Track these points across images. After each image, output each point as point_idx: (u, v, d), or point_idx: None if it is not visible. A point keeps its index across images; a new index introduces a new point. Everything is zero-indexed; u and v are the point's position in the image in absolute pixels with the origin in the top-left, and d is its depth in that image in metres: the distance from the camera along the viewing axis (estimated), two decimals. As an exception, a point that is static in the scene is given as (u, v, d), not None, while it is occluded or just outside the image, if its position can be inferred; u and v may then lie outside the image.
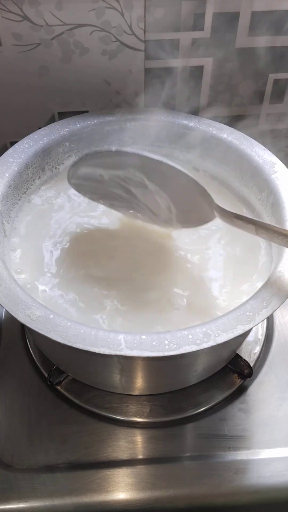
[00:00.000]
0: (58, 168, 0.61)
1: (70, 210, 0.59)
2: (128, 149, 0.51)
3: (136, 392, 0.55)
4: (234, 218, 0.48)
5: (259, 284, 0.48)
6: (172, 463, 0.52)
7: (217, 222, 0.50)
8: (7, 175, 0.54)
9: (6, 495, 0.49)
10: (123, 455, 0.52)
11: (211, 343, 0.41)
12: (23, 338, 0.60)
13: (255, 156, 0.57)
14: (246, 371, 0.56)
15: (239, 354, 0.57)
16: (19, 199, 0.57)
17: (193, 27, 0.61)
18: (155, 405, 0.55)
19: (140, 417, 0.54)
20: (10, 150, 0.57)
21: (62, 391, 0.56)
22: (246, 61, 0.65)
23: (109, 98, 0.67)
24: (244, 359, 0.56)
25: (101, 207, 0.58)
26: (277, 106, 0.71)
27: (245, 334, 0.54)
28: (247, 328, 0.43)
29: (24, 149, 0.57)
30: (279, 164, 0.56)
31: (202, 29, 0.61)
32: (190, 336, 0.42)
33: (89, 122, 0.61)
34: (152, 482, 0.50)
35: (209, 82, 0.67)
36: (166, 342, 0.41)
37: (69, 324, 0.42)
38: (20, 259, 0.53)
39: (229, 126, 0.61)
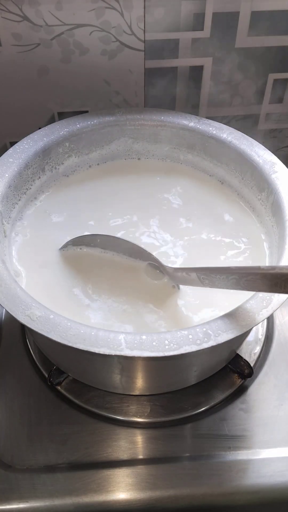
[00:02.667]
0: (58, 169, 0.61)
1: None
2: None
3: (136, 392, 0.55)
4: (176, 272, 0.48)
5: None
6: (173, 463, 0.52)
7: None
8: (7, 175, 0.54)
9: (7, 495, 0.49)
10: (124, 455, 0.52)
11: (211, 343, 0.41)
12: (23, 338, 0.60)
13: (255, 156, 0.57)
14: (246, 371, 0.56)
15: (239, 354, 0.57)
16: (19, 200, 0.57)
17: (193, 27, 0.61)
18: (155, 405, 0.55)
19: (140, 417, 0.54)
20: (10, 151, 0.56)
21: (62, 391, 0.56)
22: (246, 61, 0.65)
23: (109, 98, 0.67)
24: (244, 359, 0.56)
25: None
26: (277, 106, 0.71)
27: (245, 334, 0.54)
28: (247, 328, 0.43)
29: (24, 149, 0.57)
30: (279, 164, 0.56)
31: (202, 29, 0.61)
32: (190, 336, 0.42)
33: (89, 122, 0.61)
34: (152, 482, 0.50)
35: (209, 82, 0.67)
36: (166, 342, 0.41)
37: (69, 324, 0.42)
38: None
39: (229, 126, 0.61)
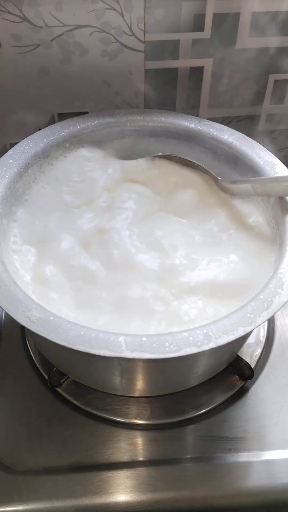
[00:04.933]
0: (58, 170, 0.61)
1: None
2: None
3: (137, 394, 0.55)
4: (232, 184, 0.56)
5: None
6: (173, 465, 0.51)
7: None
8: (7, 176, 0.54)
9: (7, 497, 0.49)
10: (124, 457, 0.52)
11: (212, 345, 0.41)
12: (23, 340, 0.60)
13: (256, 157, 0.57)
14: (247, 373, 0.56)
15: (240, 355, 0.57)
16: (18, 201, 0.57)
17: (193, 28, 0.61)
18: (156, 407, 0.55)
19: (140, 419, 0.54)
20: (10, 152, 0.56)
21: (62, 393, 0.56)
22: (246, 62, 0.65)
23: (109, 99, 0.67)
24: (245, 361, 0.56)
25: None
26: (277, 106, 0.71)
27: (246, 336, 0.54)
28: (248, 330, 0.42)
29: (24, 150, 0.57)
30: (280, 165, 0.56)
31: (202, 29, 0.61)
32: (190, 338, 0.41)
33: (89, 123, 0.61)
34: (152, 484, 0.50)
35: (209, 83, 0.67)
36: (166, 344, 0.41)
37: (69, 326, 0.42)
38: None
39: (230, 127, 0.61)
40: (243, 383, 0.57)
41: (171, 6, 0.59)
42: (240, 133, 0.60)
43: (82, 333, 0.42)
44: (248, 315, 0.43)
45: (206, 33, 0.62)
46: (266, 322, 0.62)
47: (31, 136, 0.58)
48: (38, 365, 0.58)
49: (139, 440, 0.53)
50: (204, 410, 0.55)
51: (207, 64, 0.65)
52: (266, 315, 0.43)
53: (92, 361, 0.49)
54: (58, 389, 0.56)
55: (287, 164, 0.56)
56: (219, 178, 0.59)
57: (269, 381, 0.57)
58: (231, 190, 0.58)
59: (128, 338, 0.41)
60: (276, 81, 0.68)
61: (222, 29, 0.62)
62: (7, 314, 0.43)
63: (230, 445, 0.53)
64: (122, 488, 0.50)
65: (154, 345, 0.41)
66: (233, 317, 0.43)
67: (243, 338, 0.54)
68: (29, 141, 0.58)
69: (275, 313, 0.44)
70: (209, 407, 0.55)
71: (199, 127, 0.61)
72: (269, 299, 0.44)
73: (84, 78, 0.64)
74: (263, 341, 0.60)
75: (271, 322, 0.62)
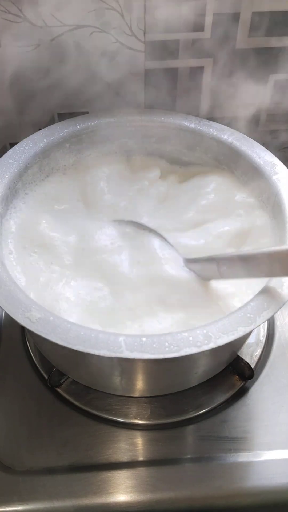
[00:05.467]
0: (58, 170, 0.61)
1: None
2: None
3: (137, 394, 0.55)
4: (195, 263, 0.51)
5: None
6: (173, 465, 0.51)
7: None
8: (6, 176, 0.54)
9: (7, 498, 0.49)
10: (124, 457, 0.52)
11: (211, 345, 0.41)
12: (23, 340, 0.60)
13: (256, 157, 0.57)
14: (247, 373, 0.56)
15: (240, 355, 0.57)
16: (19, 201, 0.57)
17: (193, 28, 0.61)
18: (156, 407, 0.55)
19: (140, 419, 0.54)
20: (10, 152, 0.56)
21: (62, 393, 0.56)
22: (246, 62, 0.65)
23: (109, 99, 0.67)
24: (245, 361, 0.56)
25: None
26: (277, 106, 0.71)
27: (246, 336, 0.54)
28: (248, 330, 0.42)
29: (24, 150, 0.57)
30: (280, 165, 0.56)
31: (202, 29, 0.61)
32: (190, 338, 0.42)
33: (89, 123, 0.61)
34: (152, 484, 0.50)
35: (209, 83, 0.67)
36: (166, 344, 0.41)
37: (69, 326, 0.42)
38: None
39: (229, 127, 0.61)
40: (243, 383, 0.57)
41: (171, 6, 0.59)
42: (240, 133, 0.60)
43: (82, 333, 0.42)
44: (248, 315, 0.43)
45: (206, 33, 0.62)
46: (266, 322, 0.62)
47: (31, 136, 0.59)
48: (38, 365, 0.58)
49: (139, 440, 0.53)
50: (204, 410, 0.55)
51: (207, 64, 0.65)
52: (266, 315, 0.43)
53: (92, 361, 0.49)
54: (58, 389, 0.56)
55: (287, 164, 0.56)
56: (185, 257, 0.53)
57: (269, 381, 0.57)
58: (196, 273, 0.51)
59: (128, 339, 0.41)
60: (276, 81, 0.68)
61: (222, 29, 0.62)
62: (7, 314, 0.43)
63: (230, 445, 0.53)
64: (122, 488, 0.50)
65: (154, 345, 0.41)
66: (233, 317, 0.43)
67: (243, 338, 0.54)
68: (29, 141, 0.58)
69: (275, 313, 0.44)
70: (209, 407, 0.55)
71: (199, 127, 0.61)
72: (269, 299, 0.44)
73: (84, 78, 0.64)
74: (263, 341, 0.60)
75: (271, 322, 0.62)
